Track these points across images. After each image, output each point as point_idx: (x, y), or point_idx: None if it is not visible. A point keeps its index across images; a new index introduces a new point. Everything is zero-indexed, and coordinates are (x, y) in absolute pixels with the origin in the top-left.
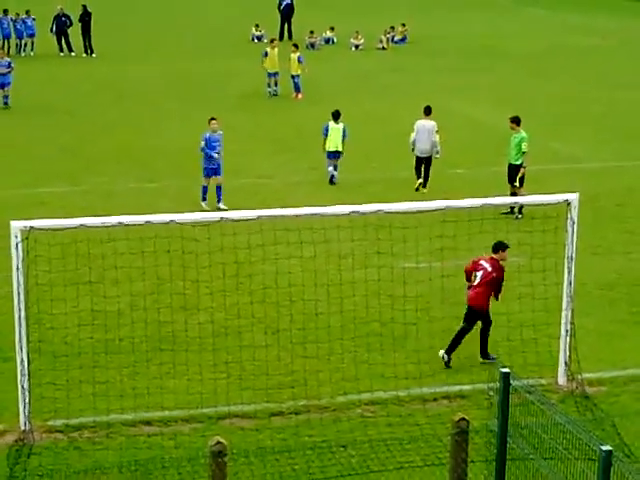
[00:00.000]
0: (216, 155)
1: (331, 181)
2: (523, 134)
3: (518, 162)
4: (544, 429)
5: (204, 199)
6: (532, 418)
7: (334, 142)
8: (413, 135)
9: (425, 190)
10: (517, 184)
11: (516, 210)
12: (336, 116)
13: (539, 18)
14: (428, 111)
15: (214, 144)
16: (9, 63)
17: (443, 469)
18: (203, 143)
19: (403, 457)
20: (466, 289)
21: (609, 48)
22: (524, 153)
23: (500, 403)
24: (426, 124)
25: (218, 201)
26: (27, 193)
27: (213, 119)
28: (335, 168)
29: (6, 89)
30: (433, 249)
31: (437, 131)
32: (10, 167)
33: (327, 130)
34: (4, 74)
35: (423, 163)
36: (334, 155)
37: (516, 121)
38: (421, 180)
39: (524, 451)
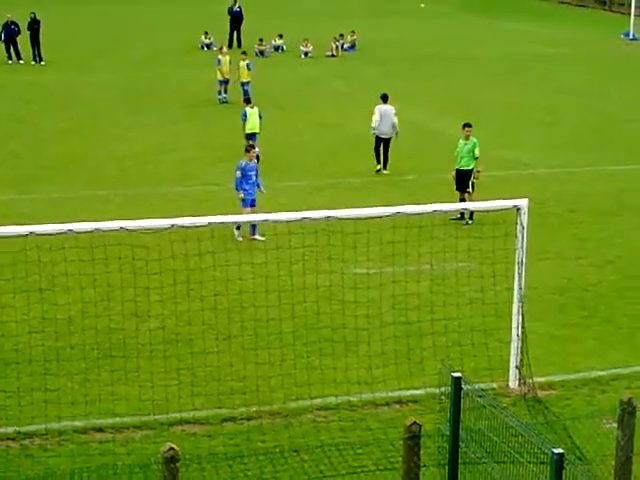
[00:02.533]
0: (242, 194)
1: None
2: (475, 140)
3: (469, 167)
4: (496, 433)
5: (238, 227)
6: (484, 422)
7: (252, 125)
8: (376, 118)
9: (387, 172)
10: (470, 189)
11: (466, 216)
12: (248, 101)
13: (486, 26)
14: (385, 98)
15: (250, 173)
16: None
17: (396, 474)
18: (239, 173)
19: (356, 462)
20: None
21: (558, 56)
22: (477, 158)
23: (452, 407)
24: (387, 109)
25: (253, 233)
26: None
27: (252, 147)
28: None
29: None
30: (384, 255)
31: (395, 114)
32: None
33: (245, 115)
34: None
35: (382, 144)
36: (253, 136)
37: (470, 127)
38: (380, 165)
39: (476, 455)
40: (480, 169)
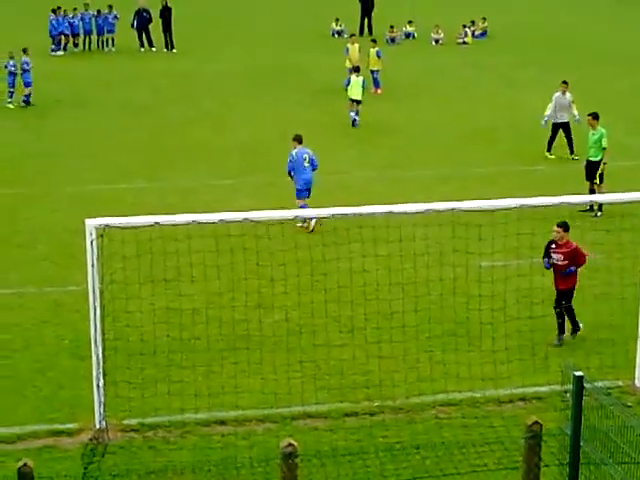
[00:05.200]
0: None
1: (353, 124)
2: (602, 130)
3: (597, 158)
4: (619, 433)
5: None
6: (607, 421)
7: (354, 91)
8: (550, 106)
9: (576, 157)
10: (597, 181)
11: (595, 207)
12: (356, 70)
13: (622, 14)
14: (564, 85)
15: (302, 160)
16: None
17: (517, 473)
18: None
19: (477, 460)
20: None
21: None
22: (604, 149)
23: (573, 407)
24: (562, 97)
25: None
26: (104, 189)
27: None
28: (357, 113)
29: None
30: (509, 247)
31: (573, 101)
32: (87, 163)
33: (349, 82)
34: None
35: (561, 128)
36: (356, 102)
37: (596, 117)
38: (549, 153)
39: (598, 456)
40: (606, 160)
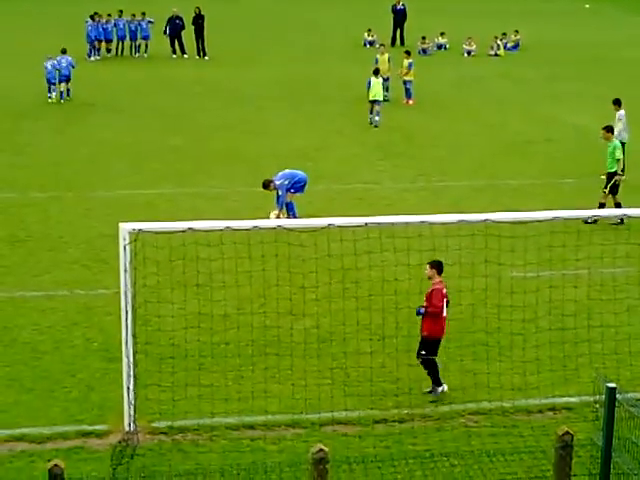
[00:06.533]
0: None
1: (375, 124)
2: (616, 142)
3: (612, 170)
4: None
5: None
6: (638, 432)
7: (375, 92)
8: (620, 125)
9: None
10: (606, 190)
11: (590, 220)
12: (376, 72)
13: None
14: (618, 103)
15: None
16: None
17: None
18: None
19: (505, 469)
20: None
21: None
22: (618, 161)
23: (605, 419)
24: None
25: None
26: (136, 194)
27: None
28: (377, 114)
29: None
30: (541, 259)
31: (619, 119)
32: (120, 168)
33: (370, 83)
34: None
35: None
36: (376, 102)
37: (609, 130)
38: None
39: (628, 466)
40: (620, 171)
